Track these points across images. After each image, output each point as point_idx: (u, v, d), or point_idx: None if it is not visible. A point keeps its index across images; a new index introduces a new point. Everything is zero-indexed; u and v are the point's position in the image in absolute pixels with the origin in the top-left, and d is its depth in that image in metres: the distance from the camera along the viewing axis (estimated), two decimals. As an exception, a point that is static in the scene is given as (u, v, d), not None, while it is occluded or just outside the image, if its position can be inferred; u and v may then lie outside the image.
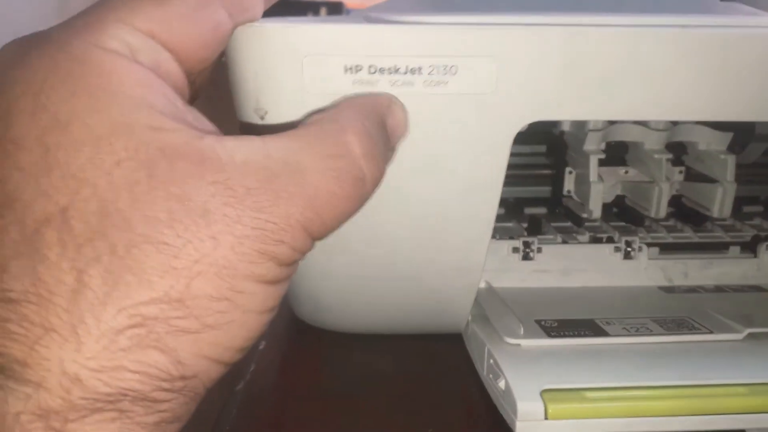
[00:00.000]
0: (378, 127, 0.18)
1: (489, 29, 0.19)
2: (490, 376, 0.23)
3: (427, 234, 0.23)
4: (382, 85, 0.19)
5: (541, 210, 0.32)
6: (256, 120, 0.20)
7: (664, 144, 0.28)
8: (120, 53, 0.15)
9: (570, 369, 0.22)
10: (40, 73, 0.15)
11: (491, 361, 0.23)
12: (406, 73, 0.19)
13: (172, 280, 0.14)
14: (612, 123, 0.28)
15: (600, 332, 0.24)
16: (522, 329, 0.24)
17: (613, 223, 0.31)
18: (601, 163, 0.28)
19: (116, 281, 0.14)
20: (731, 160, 0.28)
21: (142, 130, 0.14)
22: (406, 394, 0.25)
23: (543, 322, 0.25)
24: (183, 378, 0.15)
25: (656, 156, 0.28)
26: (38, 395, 0.13)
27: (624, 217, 0.31)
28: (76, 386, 0.13)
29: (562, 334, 0.24)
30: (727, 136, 0.28)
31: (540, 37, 0.19)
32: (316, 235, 0.16)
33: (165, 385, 0.14)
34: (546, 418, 0.20)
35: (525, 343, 0.24)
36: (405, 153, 0.21)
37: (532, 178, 0.32)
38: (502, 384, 0.22)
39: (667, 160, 0.28)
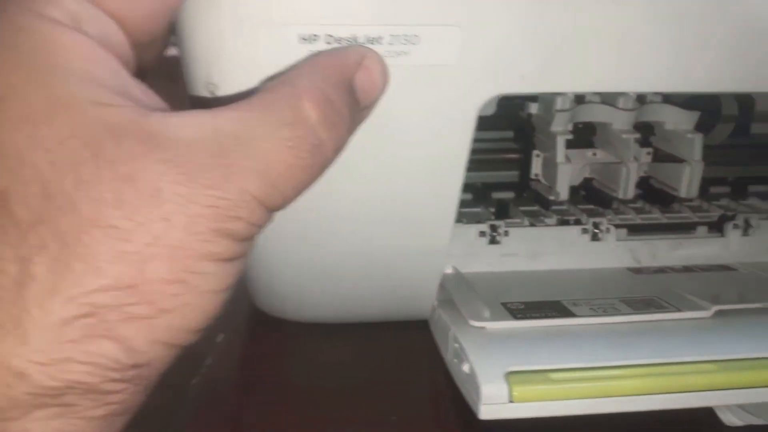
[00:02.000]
0: (341, 89, 0.17)
1: (451, -4, 0.19)
2: (455, 360, 0.23)
3: (389, 215, 0.23)
4: (340, 54, 0.18)
5: (508, 195, 0.32)
6: (206, 95, 0.19)
7: (632, 124, 0.28)
8: (62, 23, 0.14)
9: (536, 351, 0.22)
10: None
11: (456, 345, 0.23)
12: (365, 43, 0.19)
13: (124, 265, 0.13)
14: (579, 103, 0.28)
15: (567, 313, 0.24)
16: (487, 312, 0.23)
17: (581, 206, 0.30)
18: (570, 145, 0.28)
19: (64, 270, 0.13)
20: (698, 139, 0.28)
21: (86, 106, 0.14)
22: (371, 383, 0.24)
23: (509, 305, 0.24)
24: (135, 366, 0.14)
25: (624, 136, 0.28)
26: None
27: (592, 199, 0.30)
28: (21, 381, 0.13)
29: (528, 316, 0.24)
30: (694, 116, 0.28)
31: (506, 4, 0.19)
32: (274, 207, 0.15)
33: (115, 375, 0.14)
34: (511, 401, 0.20)
35: (490, 325, 0.23)
36: (365, 129, 0.20)
37: (500, 162, 0.31)
38: (466, 367, 0.21)
39: (635, 139, 0.28)
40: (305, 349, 0.26)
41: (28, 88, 0.13)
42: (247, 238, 0.15)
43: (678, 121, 0.28)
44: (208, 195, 0.14)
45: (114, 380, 0.14)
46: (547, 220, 0.29)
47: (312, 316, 0.27)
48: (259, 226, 0.15)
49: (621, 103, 0.28)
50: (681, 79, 0.21)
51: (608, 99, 0.28)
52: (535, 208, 0.30)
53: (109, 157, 0.13)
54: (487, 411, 0.20)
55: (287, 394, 0.23)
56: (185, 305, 0.14)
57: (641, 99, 0.28)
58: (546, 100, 0.29)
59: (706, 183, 0.31)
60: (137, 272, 0.13)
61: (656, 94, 0.28)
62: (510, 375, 0.20)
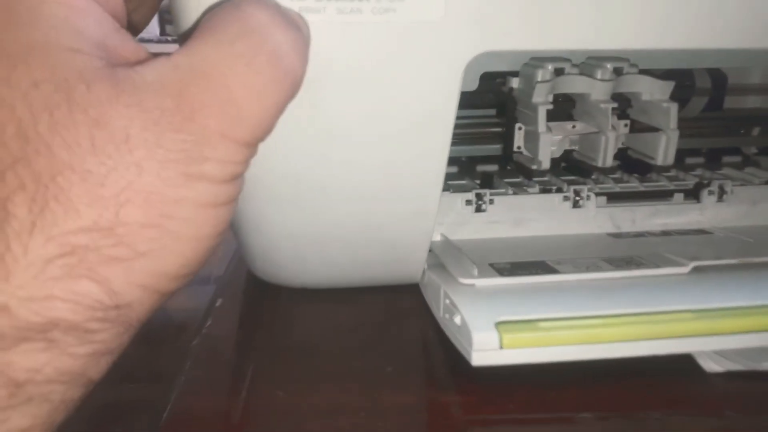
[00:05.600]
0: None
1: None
2: (447, 315, 0.23)
3: (378, 178, 0.23)
4: (330, 12, 0.19)
5: (493, 167, 0.33)
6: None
7: (610, 94, 0.29)
8: None
9: (524, 303, 0.22)
10: None
11: (447, 301, 0.23)
12: (351, 0, 0.19)
13: (100, 208, 0.14)
14: (559, 75, 0.29)
15: (552, 271, 0.25)
16: (476, 270, 0.24)
17: (562, 177, 0.31)
18: (550, 118, 0.29)
19: (42, 210, 0.13)
20: (673, 108, 0.29)
21: (60, 51, 0.14)
22: (365, 340, 0.25)
23: (496, 265, 0.25)
24: (117, 307, 0.14)
25: (602, 106, 0.29)
26: None
27: (572, 170, 0.31)
28: (4, 315, 0.13)
29: (514, 273, 0.24)
30: (669, 85, 0.29)
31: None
32: (247, 137, 0.15)
33: (98, 314, 0.14)
34: (501, 348, 0.20)
35: (479, 282, 0.24)
36: (353, 91, 0.20)
37: (484, 136, 0.32)
38: (458, 319, 0.22)
39: (613, 108, 0.29)
40: (302, 312, 0.27)
41: (5, 32, 0.14)
42: (226, 179, 0.15)
43: (653, 90, 0.29)
44: (174, 139, 0.14)
45: (97, 319, 0.14)
46: (530, 189, 0.30)
47: (307, 281, 0.27)
48: (237, 162, 0.15)
49: (599, 74, 0.29)
50: (670, 36, 0.21)
51: (586, 70, 0.29)
52: (519, 179, 0.31)
53: (82, 101, 0.14)
54: (478, 357, 0.20)
55: (286, 350, 0.24)
56: (162, 249, 0.14)
57: (618, 71, 0.29)
58: (526, 74, 0.30)
59: (681, 154, 0.32)
60: (113, 216, 0.14)
61: (632, 65, 0.29)
62: (500, 324, 0.21)
